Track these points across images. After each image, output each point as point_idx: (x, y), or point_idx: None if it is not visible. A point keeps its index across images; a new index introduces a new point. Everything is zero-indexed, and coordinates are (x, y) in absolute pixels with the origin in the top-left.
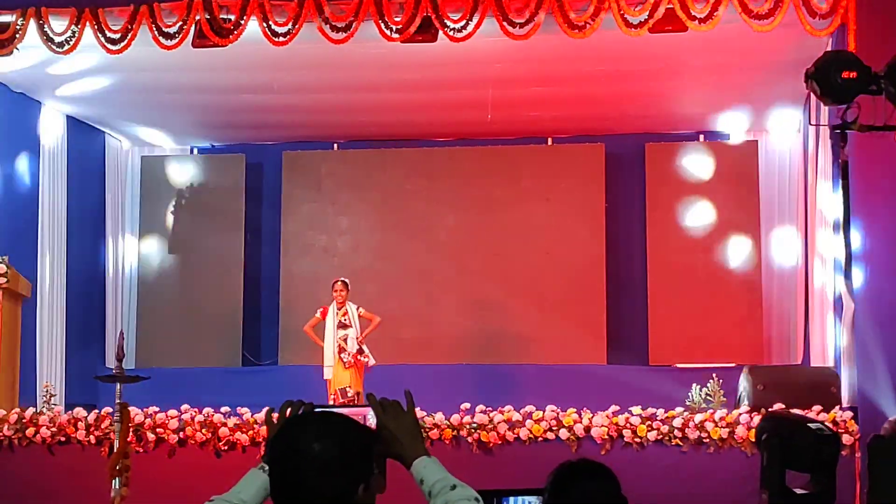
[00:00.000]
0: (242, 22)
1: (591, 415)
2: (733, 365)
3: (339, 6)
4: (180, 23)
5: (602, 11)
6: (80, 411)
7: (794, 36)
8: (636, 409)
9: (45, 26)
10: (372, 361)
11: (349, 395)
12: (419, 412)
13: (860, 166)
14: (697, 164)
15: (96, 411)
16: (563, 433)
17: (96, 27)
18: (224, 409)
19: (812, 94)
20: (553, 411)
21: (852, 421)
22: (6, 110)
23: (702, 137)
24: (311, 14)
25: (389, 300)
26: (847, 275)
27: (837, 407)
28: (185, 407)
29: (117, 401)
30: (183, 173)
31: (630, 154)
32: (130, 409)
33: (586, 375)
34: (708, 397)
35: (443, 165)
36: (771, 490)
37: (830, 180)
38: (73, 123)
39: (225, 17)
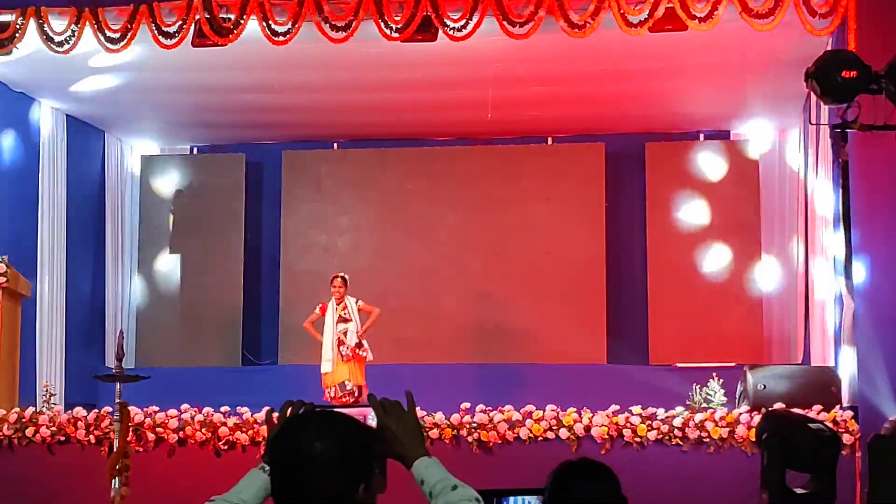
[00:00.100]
0: (242, 21)
1: (592, 414)
2: (733, 364)
3: (339, 5)
4: (180, 22)
5: (602, 10)
6: (79, 411)
7: (794, 35)
8: (636, 409)
9: (45, 26)
10: (370, 357)
11: (348, 388)
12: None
13: (860, 166)
14: (698, 163)
15: (96, 411)
16: (564, 433)
17: (96, 27)
18: (224, 408)
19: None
20: (553, 411)
21: (852, 420)
22: (6, 109)
23: (702, 137)
24: (311, 13)
25: (390, 299)
26: (847, 274)
27: (838, 406)
28: (184, 406)
29: (117, 400)
30: (183, 173)
31: (630, 153)
32: (130, 408)
33: (586, 375)
34: (708, 397)
35: (443, 165)
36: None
37: (831, 180)
38: (73, 123)
39: (225, 16)
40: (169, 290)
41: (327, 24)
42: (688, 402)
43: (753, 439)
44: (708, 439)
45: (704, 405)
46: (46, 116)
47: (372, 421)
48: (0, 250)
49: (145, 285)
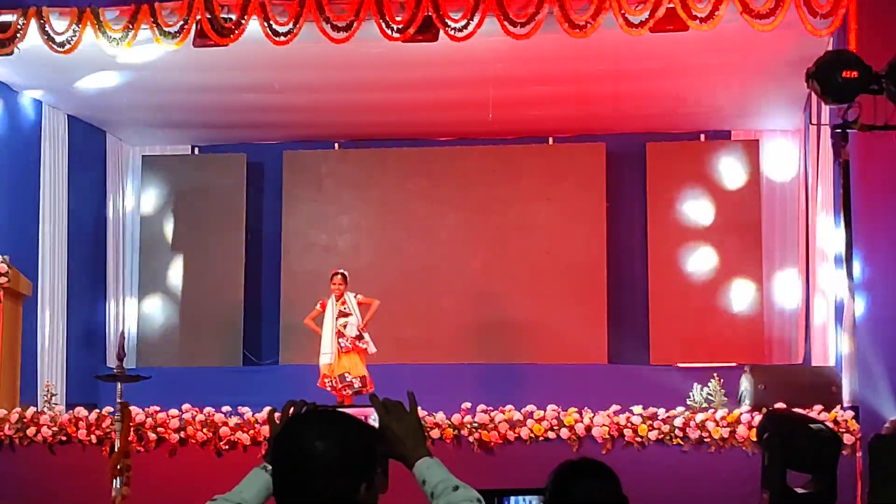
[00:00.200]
0: (243, 21)
1: (592, 414)
2: (734, 364)
3: (340, 6)
4: (181, 22)
5: (603, 11)
6: (81, 411)
7: (795, 35)
8: (637, 409)
9: (47, 26)
10: (372, 349)
11: (348, 380)
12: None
13: (861, 166)
14: (698, 163)
15: (97, 411)
16: (564, 432)
17: (97, 27)
18: (225, 408)
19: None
20: (554, 410)
21: (853, 420)
22: (7, 109)
23: (703, 137)
24: (312, 13)
25: (390, 299)
26: (848, 274)
27: (838, 406)
28: (185, 406)
29: (118, 400)
30: (184, 172)
31: (631, 153)
32: (131, 408)
33: (587, 375)
34: (709, 397)
35: (444, 165)
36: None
37: (831, 180)
38: (75, 123)
39: (226, 16)
40: (170, 290)
41: (328, 25)
42: (688, 402)
43: (754, 439)
44: (709, 439)
45: (705, 405)
46: (47, 116)
47: (374, 421)
48: (1, 250)
49: (146, 285)
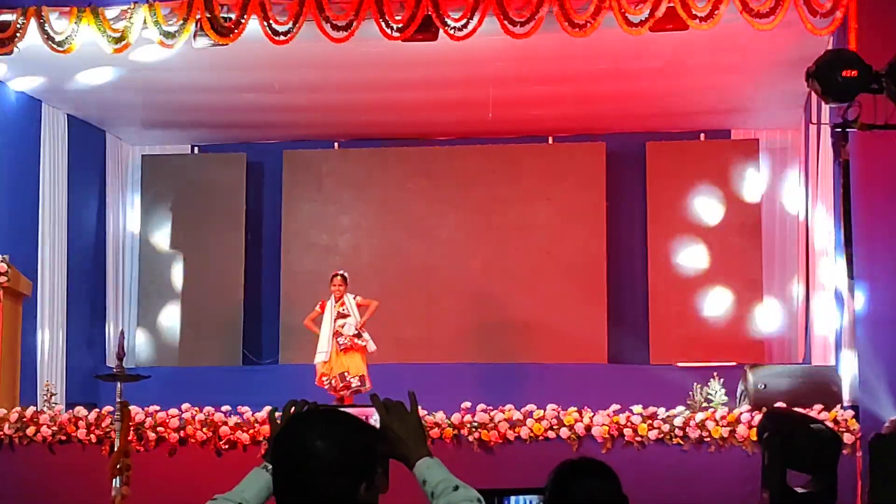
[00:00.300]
0: (243, 21)
1: (592, 414)
2: (734, 364)
3: (340, 5)
4: (181, 22)
5: (603, 10)
6: (80, 410)
7: (795, 34)
8: (637, 408)
9: (46, 25)
10: (372, 347)
11: (347, 379)
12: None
13: (861, 165)
14: (698, 162)
15: (97, 410)
16: (564, 432)
17: (97, 26)
18: (225, 407)
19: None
20: (554, 410)
21: (853, 420)
22: (7, 109)
23: (703, 136)
24: (312, 13)
25: (390, 299)
26: (848, 273)
27: (838, 406)
28: (185, 406)
29: (118, 399)
30: (184, 172)
31: (631, 153)
32: (131, 407)
33: (587, 374)
34: (709, 396)
35: (444, 164)
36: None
37: (831, 179)
38: (74, 122)
39: (225, 15)
40: (170, 290)
41: (328, 24)
42: (688, 402)
43: (754, 439)
44: (709, 439)
45: (705, 405)
46: (47, 116)
47: (375, 421)
48: (1, 250)
49: (146, 284)
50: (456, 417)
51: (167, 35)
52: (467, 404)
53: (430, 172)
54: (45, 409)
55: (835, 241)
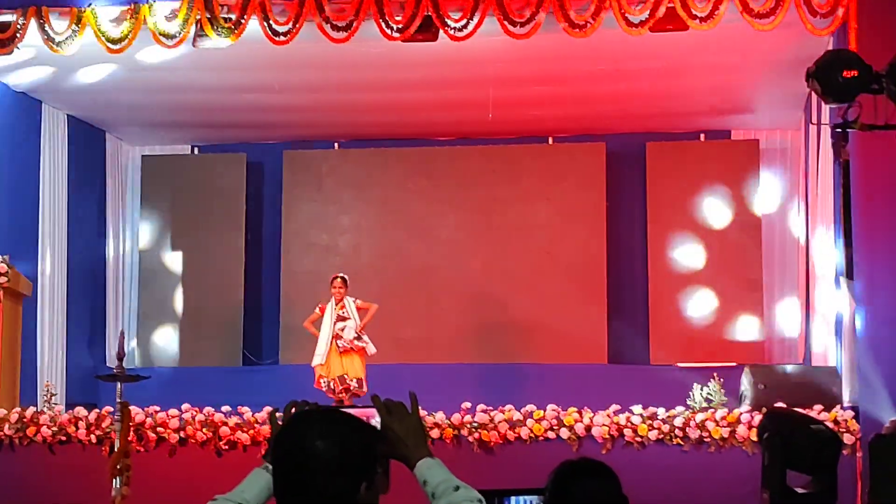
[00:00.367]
0: (243, 21)
1: (592, 414)
2: (734, 364)
3: (340, 5)
4: (181, 22)
5: (603, 10)
6: (80, 410)
7: (795, 35)
8: (637, 409)
9: (46, 26)
10: (372, 349)
11: (346, 381)
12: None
13: (861, 166)
14: (698, 163)
15: (97, 410)
16: (564, 432)
17: (97, 27)
18: (225, 408)
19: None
20: (554, 410)
21: (853, 420)
22: (7, 110)
23: (703, 136)
24: (312, 13)
25: (390, 299)
26: (848, 274)
27: (838, 406)
28: (185, 406)
29: (118, 400)
30: (184, 172)
31: (631, 153)
32: (131, 408)
33: (587, 375)
34: (709, 396)
35: (444, 165)
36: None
37: (832, 179)
38: (74, 123)
39: (225, 16)
40: (170, 290)
41: (328, 24)
42: (688, 402)
43: (754, 439)
44: (709, 439)
45: (705, 405)
46: (47, 116)
47: (376, 422)
48: (1, 250)
49: (146, 285)
50: (456, 418)
51: (167, 35)
52: (467, 405)
53: (431, 173)
54: (45, 409)
55: (835, 241)
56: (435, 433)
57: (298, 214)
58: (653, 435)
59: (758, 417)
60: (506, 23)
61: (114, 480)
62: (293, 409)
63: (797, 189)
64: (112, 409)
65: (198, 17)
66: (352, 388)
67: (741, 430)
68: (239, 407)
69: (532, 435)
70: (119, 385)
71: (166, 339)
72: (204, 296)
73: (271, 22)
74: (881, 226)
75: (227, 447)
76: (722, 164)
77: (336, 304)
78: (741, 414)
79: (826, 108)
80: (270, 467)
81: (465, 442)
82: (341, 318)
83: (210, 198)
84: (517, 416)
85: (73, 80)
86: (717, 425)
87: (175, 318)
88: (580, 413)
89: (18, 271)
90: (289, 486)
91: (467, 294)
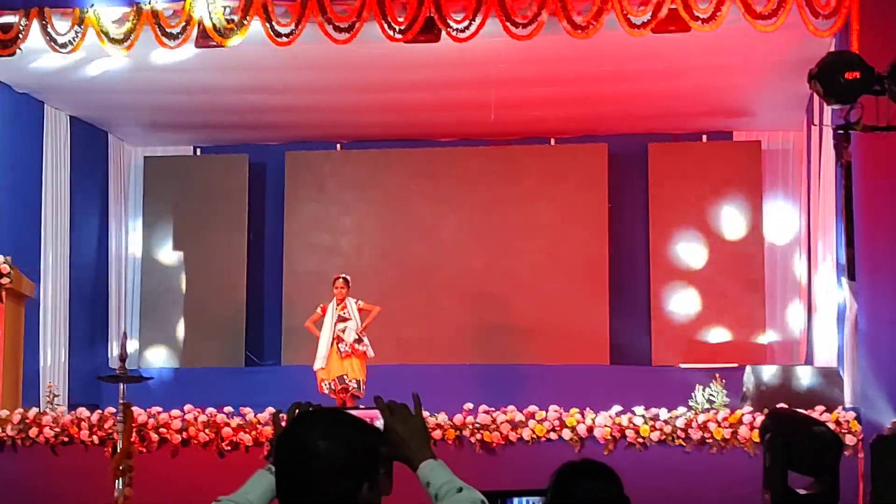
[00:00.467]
0: (245, 22)
1: (594, 415)
2: (736, 365)
3: (342, 6)
4: (183, 23)
5: (605, 12)
6: (83, 411)
7: (797, 36)
8: (639, 410)
9: (49, 27)
10: (371, 353)
11: (345, 381)
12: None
13: (863, 167)
14: (700, 164)
15: (99, 411)
16: (566, 433)
17: (99, 28)
18: (227, 409)
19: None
20: (556, 411)
21: (855, 421)
22: (10, 111)
23: (705, 137)
24: (314, 14)
25: (392, 300)
26: (850, 275)
27: (840, 407)
28: (188, 407)
29: (120, 401)
30: (186, 173)
31: (633, 154)
32: (134, 409)
33: (589, 376)
34: (711, 397)
35: (446, 166)
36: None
37: (833, 181)
38: (77, 123)
39: (228, 17)
40: (172, 291)
41: (330, 26)
42: (690, 403)
43: (756, 440)
44: (710, 440)
45: (707, 406)
46: (50, 117)
47: (379, 423)
48: (3, 251)
49: (148, 286)
50: (458, 419)
51: (169, 37)
52: (469, 405)
53: (432, 173)
54: (47, 410)
55: (837, 242)
56: (437, 434)
57: (300, 215)
58: (655, 436)
59: (760, 418)
60: (508, 24)
61: (116, 481)
62: (297, 411)
63: (799, 190)
64: (114, 410)
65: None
66: (350, 388)
67: (743, 431)
68: (241, 408)
69: (534, 436)
70: (121, 386)
71: (168, 340)
72: (206, 296)
73: (273, 23)
74: (883, 227)
75: (229, 448)
76: (724, 165)
77: (337, 305)
78: (743, 415)
79: (828, 110)
80: (274, 468)
81: (467, 443)
82: (342, 319)
83: (212, 198)
84: (519, 416)
85: (75, 81)
86: (719, 426)
87: (177, 319)
88: (582, 414)
89: (21, 272)
90: (291, 486)
91: (469, 294)
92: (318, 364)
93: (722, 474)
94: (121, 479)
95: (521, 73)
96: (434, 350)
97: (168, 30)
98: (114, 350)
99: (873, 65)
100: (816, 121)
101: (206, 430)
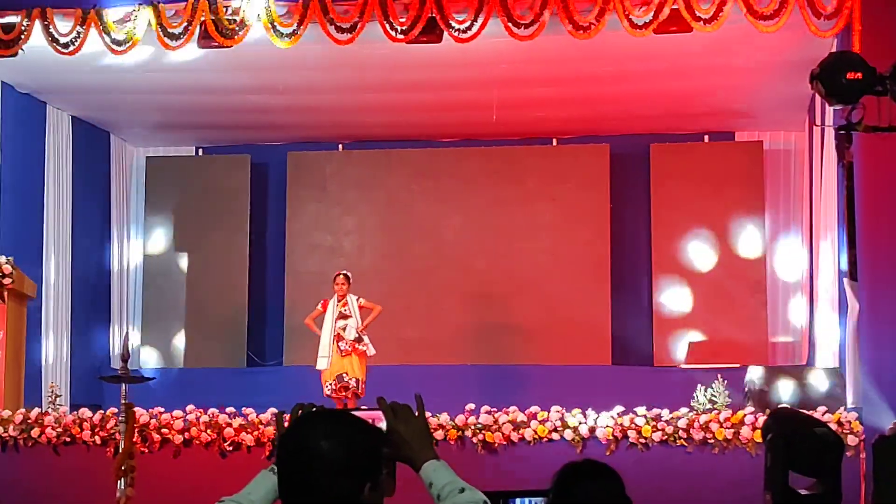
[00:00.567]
0: (248, 23)
1: (596, 415)
2: (738, 365)
3: (344, 7)
4: (185, 24)
5: (607, 12)
6: (85, 412)
7: (799, 37)
8: (641, 410)
9: (51, 27)
10: (371, 351)
11: (345, 380)
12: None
13: (865, 167)
14: (702, 164)
15: (101, 412)
16: (568, 434)
17: (101, 28)
18: (229, 409)
19: (817, 95)
20: (558, 412)
21: (857, 422)
22: (12, 111)
23: (707, 138)
24: (316, 15)
25: (394, 300)
26: (852, 275)
27: (842, 408)
28: (190, 407)
29: (122, 401)
30: (188, 174)
31: (635, 154)
32: (136, 409)
33: (591, 376)
34: (713, 398)
35: (448, 166)
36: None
37: (835, 181)
38: (79, 124)
39: (230, 17)
40: (174, 291)
41: (332, 26)
42: (692, 404)
43: (758, 440)
44: (712, 440)
45: (709, 406)
46: (52, 117)
47: (382, 424)
48: (5, 251)
49: (150, 286)
50: (460, 419)
51: (171, 37)
52: (471, 406)
53: (435, 174)
54: (49, 410)
55: (838, 242)
56: (439, 434)
57: (302, 215)
58: (657, 436)
59: (762, 419)
60: (510, 24)
61: (118, 481)
62: (299, 412)
63: (801, 190)
64: (116, 411)
65: (202, 18)
66: (350, 386)
67: (745, 431)
68: (243, 408)
69: (536, 436)
70: (123, 386)
71: (170, 341)
72: (208, 297)
73: (276, 24)
74: (885, 227)
75: (231, 448)
76: (726, 166)
77: (338, 301)
78: (745, 415)
79: (830, 110)
80: (277, 469)
81: (468, 443)
82: (343, 317)
83: (214, 199)
84: (521, 417)
85: (77, 81)
86: (721, 427)
87: (179, 320)
88: (584, 414)
89: (23, 272)
90: (293, 486)
91: (471, 295)
92: (322, 364)
93: (724, 475)
94: (123, 479)
95: (523, 73)
96: (436, 350)
97: (170, 30)
98: (116, 350)
99: (875, 65)
100: (818, 121)
101: (208, 431)
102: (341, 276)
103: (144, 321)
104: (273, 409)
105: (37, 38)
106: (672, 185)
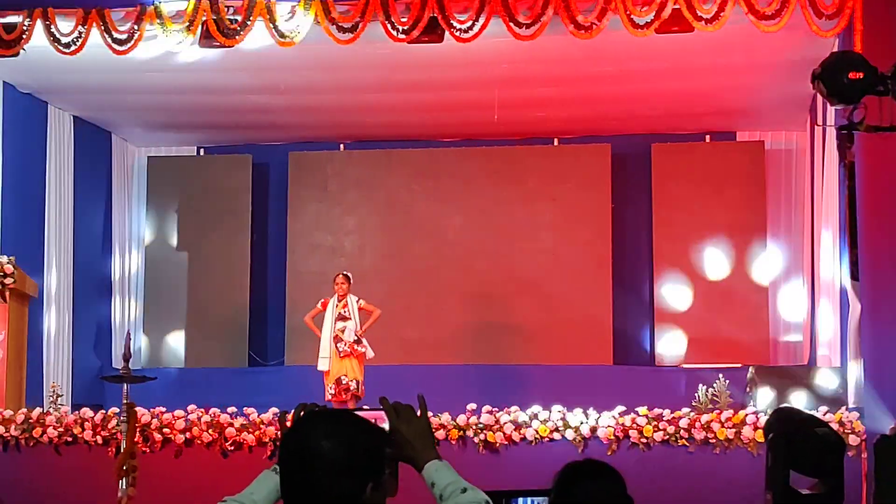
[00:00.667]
0: (249, 23)
1: (598, 415)
2: (740, 365)
3: (346, 7)
4: (187, 24)
5: (608, 12)
6: (86, 411)
7: (801, 36)
8: (642, 410)
9: (52, 27)
10: (370, 353)
11: (344, 383)
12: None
13: (866, 167)
14: (704, 164)
15: (103, 411)
16: (570, 434)
17: (103, 28)
18: (230, 409)
19: (818, 95)
20: (559, 412)
21: (858, 422)
22: (14, 111)
23: (708, 138)
24: (318, 15)
25: (395, 300)
26: (854, 275)
27: (844, 408)
28: (191, 407)
29: (124, 401)
30: (189, 173)
31: (636, 154)
32: (137, 409)
33: (592, 376)
34: (714, 398)
35: (449, 166)
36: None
37: (837, 181)
38: (80, 124)
39: (231, 17)
40: (175, 291)
41: (334, 26)
42: (694, 403)
43: (759, 440)
44: (714, 440)
45: (710, 406)
46: (53, 117)
47: (385, 424)
48: (7, 251)
49: (152, 286)
50: (461, 419)
51: (173, 38)
52: (472, 406)
53: (436, 174)
54: (51, 410)
55: (840, 242)
56: (440, 434)
57: (304, 215)
58: (658, 436)
59: (763, 419)
60: (511, 24)
61: (120, 481)
62: (302, 412)
63: (802, 190)
64: (118, 410)
65: (203, 18)
66: (350, 388)
67: (746, 431)
68: (244, 408)
69: (537, 436)
70: (125, 386)
71: (172, 340)
72: (209, 297)
73: (277, 24)
74: (886, 227)
75: (232, 448)
76: (727, 166)
77: (338, 302)
78: (746, 415)
79: (831, 110)
80: (279, 469)
81: (470, 443)
82: (342, 318)
83: (215, 199)
84: (522, 417)
85: (78, 81)
86: (723, 426)
87: (181, 319)
88: (585, 414)
89: (24, 272)
90: (294, 485)
91: (472, 295)
92: (323, 365)
93: (725, 474)
94: (124, 479)
95: (525, 73)
96: (437, 350)
97: (172, 30)
98: (117, 350)
99: (877, 65)
100: (820, 121)
101: (210, 431)
102: (341, 277)
103: (146, 321)
104: (275, 409)
105: (38, 38)
106: (673, 185)
